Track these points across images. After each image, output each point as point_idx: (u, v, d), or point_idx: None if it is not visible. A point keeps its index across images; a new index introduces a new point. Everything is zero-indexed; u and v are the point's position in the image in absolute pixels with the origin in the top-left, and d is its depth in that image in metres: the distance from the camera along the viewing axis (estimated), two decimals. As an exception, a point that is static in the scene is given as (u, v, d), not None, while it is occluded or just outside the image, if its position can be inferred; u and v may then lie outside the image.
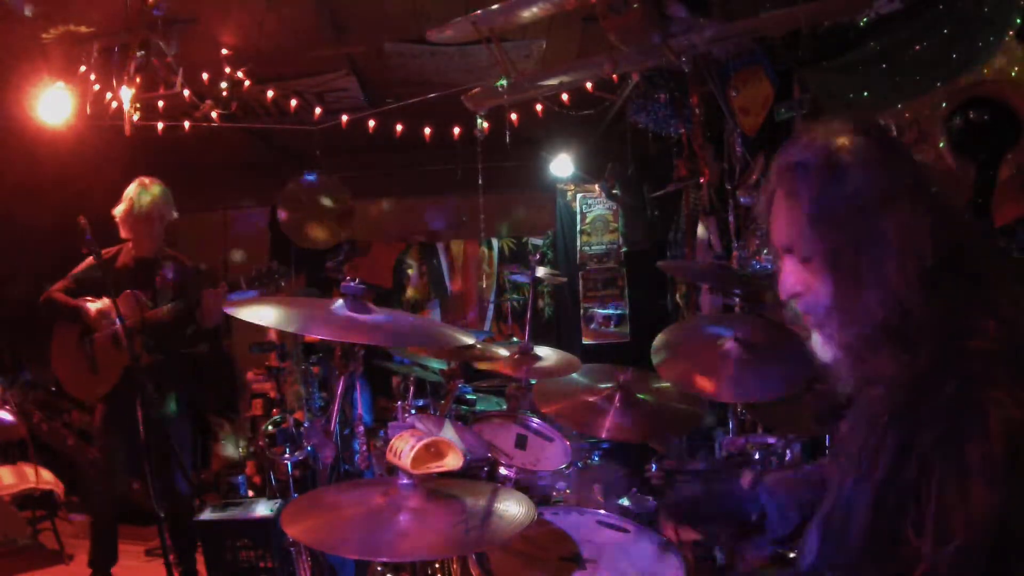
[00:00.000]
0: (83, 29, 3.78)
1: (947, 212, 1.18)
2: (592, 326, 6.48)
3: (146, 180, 3.68)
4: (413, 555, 1.69)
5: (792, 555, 1.88)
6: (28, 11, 3.41)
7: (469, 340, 2.16)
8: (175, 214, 3.76)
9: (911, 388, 1.12)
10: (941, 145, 2.60)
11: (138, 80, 3.79)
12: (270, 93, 4.56)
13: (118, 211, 3.64)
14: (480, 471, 2.72)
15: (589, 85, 4.11)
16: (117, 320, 3.28)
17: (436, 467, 1.67)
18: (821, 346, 1.25)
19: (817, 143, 1.20)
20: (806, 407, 2.44)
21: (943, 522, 1.03)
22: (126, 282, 3.54)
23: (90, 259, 3.49)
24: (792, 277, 1.24)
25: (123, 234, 3.67)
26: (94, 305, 3.53)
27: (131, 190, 3.65)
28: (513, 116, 4.18)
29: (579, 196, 6.53)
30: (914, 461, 1.07)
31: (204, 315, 3.53)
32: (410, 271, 6.95)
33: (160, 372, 3.54)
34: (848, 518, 1.17)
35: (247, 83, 4.13)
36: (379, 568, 2.72)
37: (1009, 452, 1.01)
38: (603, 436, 2.62)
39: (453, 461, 1.69)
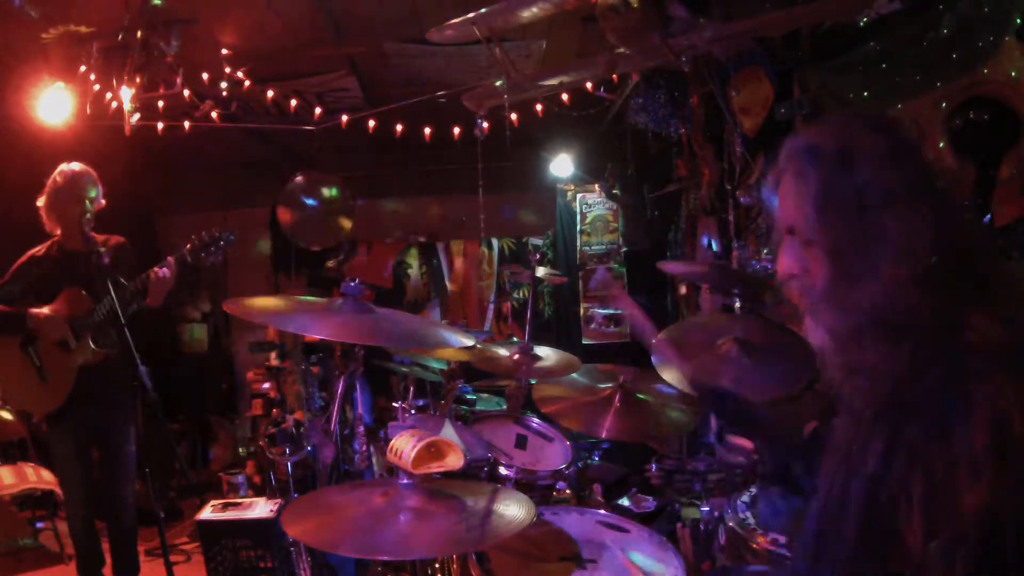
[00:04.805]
0: (83, 29, 3.78)
1: (953, 212, 1.18)
2: (592, 326, 6.47)
3: (65, 165, 3.35)
4: (413, 554, 1.69)
5: (789, 553, 1.88)
6: (33, 12, 3.39)
7: (469, 341, 2.16)
8: (102, 200, 3.39)
9: (896, 380, 1.12)
10: (941, 145, 2.59)
11: (138, 80, 3.79)
12: (270, 93, 4.55)
13: (40, 202, 3.35)
14: (480, 471, 2.72)
15: (589, 85, 4.11)
16: (64, 321, 3.19)
17: (437, 467, 1.68)
18: (812, 329, 1.27)
19: (833, 131, 1.22)
20: (806, 407, 2.43)
21: (931, 516, 1.03)
22: (59, 278, 3.29)
23: (18, 262, 3.33)
24: (790, 258, 1.26)
25: (48, 227, 3.37)
26: (40, 310, 3.24)
27: (52, 177, 3.34)
28: (513, 116, 4.17)
29: (579, 196, 6.53)
30: (902, 455, 1.07)
31: (151, 295, 3.21)
32: (410, 271, 6.96)
33: (114, 369, 3.29)
34: (842, 514, 1.17)
35: (247, 83, 4.13)
36: (379, 568, 2.72)
37: (997, 445, 1.01)
38: (603, 436, 2.62)
39: (453, 461, 1.69)
